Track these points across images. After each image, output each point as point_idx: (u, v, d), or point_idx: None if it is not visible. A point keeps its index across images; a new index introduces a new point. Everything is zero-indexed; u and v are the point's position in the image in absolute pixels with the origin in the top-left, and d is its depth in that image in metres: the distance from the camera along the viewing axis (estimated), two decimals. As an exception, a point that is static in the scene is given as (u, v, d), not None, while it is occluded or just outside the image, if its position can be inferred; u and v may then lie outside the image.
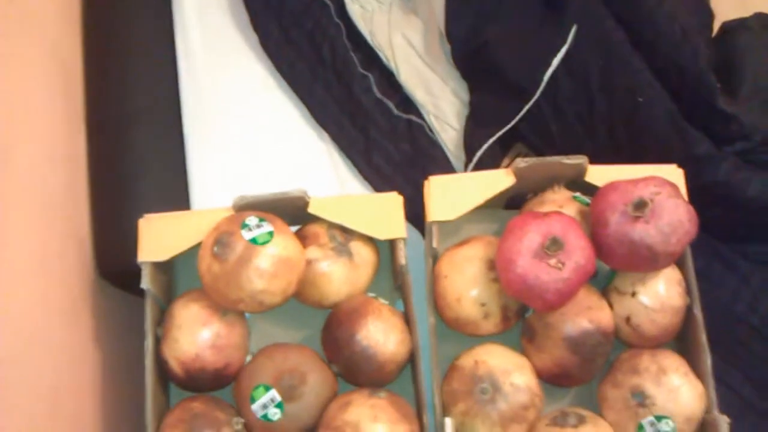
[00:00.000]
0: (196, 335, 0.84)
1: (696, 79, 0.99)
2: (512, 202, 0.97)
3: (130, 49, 1.16)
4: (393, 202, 0.91)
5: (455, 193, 0.90)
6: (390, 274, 0.96)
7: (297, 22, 1.17)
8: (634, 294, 0.87)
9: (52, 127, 1.00)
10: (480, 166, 1.04)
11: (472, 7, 1.09)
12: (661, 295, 0.87)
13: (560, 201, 0.91)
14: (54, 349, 0.90)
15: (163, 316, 0.88)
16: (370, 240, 0.92)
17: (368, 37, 1.15)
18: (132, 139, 1.10)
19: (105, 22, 1.17)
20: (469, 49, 1.09)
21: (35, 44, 0.98)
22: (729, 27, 1.10)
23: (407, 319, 0.89)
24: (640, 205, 0.82)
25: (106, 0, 1.18)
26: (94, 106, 1.12)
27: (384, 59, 1.15)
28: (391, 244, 0.92)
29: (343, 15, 1.17)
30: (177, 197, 1.07)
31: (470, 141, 1.06)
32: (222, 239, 0.83)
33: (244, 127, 1.14)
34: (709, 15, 1.11)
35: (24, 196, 0.88)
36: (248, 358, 0.88)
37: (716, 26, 1.11)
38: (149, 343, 0.85)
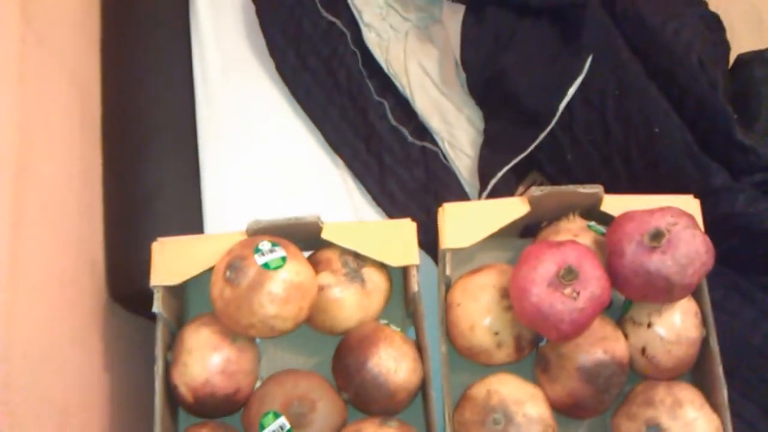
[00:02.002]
0: (206, 360, 0.84)
1: (713, 109, 0.99)
2: (527, 230, 0.96)
3: (148, 72, 1.17)
4: (406, 228, 0.91)
5: (469, 221, 0.90)
6: (402, 301, 0.95)
7: (314, 48, 1.18)
8: (649, 325, 0.86)
9: (68, 149, 1.01)
10: (494, 193, 1.04)
11: (488, 35, 1.10)
12: (677, 326, 0.85)
13: (575, 230, 0.90)
14: (63, 372, 0.89)
15: (173, 341, 0.87)
16: (382, 266, 0.92)
17: (384, 65, 1.16)
18: (147, 162, 1.10)
19: (123, 46, 1.18)
20: (485, 78, 1.09)
21: (53, 67, 0.99)
22: (745, 59, 1.10)
23: (419, 347, 0.88)
24: (657, 236, 0.81)
25: (124, 24, 1.20)
26: (111, 128, 1.13)
27: (399, 87, 1.15)
28: (404, 270, 0.92)
29: (360, 43, 1.18)
30: (191, 220, 1.07)
31: (485, 168, 1.06)
32: (234, 264, 0.83)
33: (258, 151, 1.14)
34: (725, 46, 1.11)
35: (39, 217, 0.88)
36: (258, 383, 0.87)
37: (732, 58, 1.11)
38: (159, 367, 0.85)
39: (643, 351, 0.86)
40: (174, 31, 1.21)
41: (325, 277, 0.89)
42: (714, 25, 1.11)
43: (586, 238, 0.88)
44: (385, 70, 1.16)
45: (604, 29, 1.06)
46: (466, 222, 0.90)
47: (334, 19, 1.19)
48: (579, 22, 1.05)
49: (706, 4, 1.13)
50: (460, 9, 1.13)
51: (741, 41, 1.14)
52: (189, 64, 1.19)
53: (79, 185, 1.02)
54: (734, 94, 1.04)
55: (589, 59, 1.04)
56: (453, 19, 1.13)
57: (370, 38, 1.17)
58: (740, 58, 1.11)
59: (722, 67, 1.08)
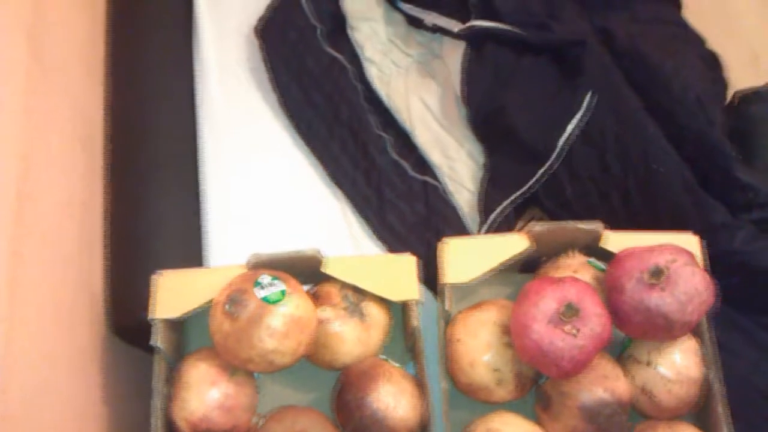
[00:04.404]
0: (204, 395, 0.83)
1: (712, 147, 0.99)
2: (526, 265, 0.96)
3: (151, 104, 1.17)
4: (407, 263, 0.91)
5: (470, 256, 0.90)
6: (402, 335, 0.95)
7: (316, 83, 1.19)
8: (650, 363, 0.85)
9: (70, 179, 1.01)
10: (494, 228, 1.04)
11: (488, 71, 1.11)
12: (678, 365, 0.85)
13: (575, 266, 0.90)
14: (61, 404, 0.89)
15: (171, 375, 0.87)
16: (383, 301, 0.92)
17: (385, 100, 1.17)
18: (149, 194, 1.10)
19: (127, 77, 1.19)
20: (486, 113, 1.10)
21: (57, 97, 1.00)
22: (742, 96, 1.11)
23: (419, 384, 0.88)
24: (657, 273, 0.81)
25: (128, 56, 1.21)
26: (113, 160, 1.13)
27: (400, 121, 1.16)
28: (404, 305, 0.91)
29: (362, 78, 1.19)
30: (192, 253, 1.07)
31: (486, 203, 1.07)
32: (234, 297, 0.82)
33: (260, 184, 1.14)
34: (724, 84, 1.12)
35: (39, 248, 0.88)
36: (255, 419, 0.87)
37: (729, 95, 1.12)
38: (156, 402, 0.84)
39: (644, 389, 0.85)
40: (178, 63, 1.22)
41: (324, 311, 0.89)
42: (712, 62, 1.12)
43: (586, 275, 0.88)
44: (387, 104, 1.17)
45: (603, 66, 1.07)
46: (466, 257, 0.90)
47: (336, 55, 1.20)
48: (578, 60, 1.06)
49: (704, 42, 1.15)
50: (461, 45, 1.14)
51: (738, 78, 1.15)
52: (192, 95, 1.20)
53: (80, 216, 1.02)
54: (732, 130, 1.05)
55: (588, 96, 1.04)
56: (454, 55, 1.15)
57: (371, 73, 1.18)
58: (738, 95, 1.12)
59: (721, 104, 1.09)
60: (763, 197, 0.98)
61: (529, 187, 1.05)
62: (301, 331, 0.84)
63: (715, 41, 1.15)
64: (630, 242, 0.87)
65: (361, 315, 0.89)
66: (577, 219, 0.90)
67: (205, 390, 0.83)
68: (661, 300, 0.81)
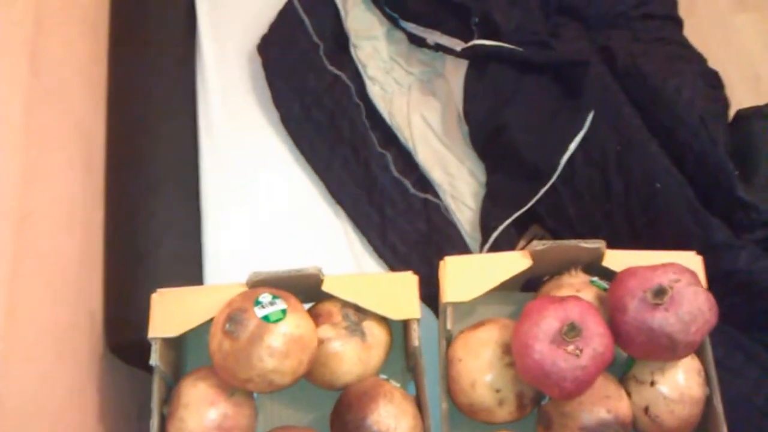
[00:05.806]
0: (202, 415, 0.82)
1: (715, 166, 0.99)
2: (528, 284, 0.96)
3: (153, 122, 1.17)
4: (407, 281, 0.90)
5: (471, 274, 0.89)
6: (402, 354, 0.94)
7: (318, 100, 1.19)
8: (652, 383, 0.85)
9: (71, 199, 1.01)
10: (496, 247, 1.03)
11: (490, 90, 1.11)
12: (680, 385, 0.84)
13: (578, 285, 0.89)
14: (57, 424, 0.88)
15: (170, 395, 0.86)
16: (383, 320, 0.91)
17: (387, 117, 1.17)
18: (149, 212, 1.10)
19: (129, 96, 1.19)
20: (487, 131, 1.10)
21: (59, 117, 1.00)
22: (744, 114, 1.11)
23: (419, 404, 0.87)
24: (660, 293, 0.80)
25: (130, 75, 1.21)
26: (114, 179, 1.13)
27: (402, 139, 1.16)
28: (405, 324, 0.91)
29: (364, 95, 1.19)
30: (191, 271, 1.07)
31: (487, 221, 1.06)
32: (234, 316, 0.82)
33: (261, 202, 1.14)
34: (725, 102, 1.12)
35: (39, 266, 0.87)
36: (255, 439, 0.86)
37: (731, 113, 1.12)
38: (154, 422, 0.83)
39: (646, 410, 0.85)
40: (180, 81, 1.22)
41: (325, 330, 0.88)
42: (713, 81, 1.13)
43: (589, 294, 0.88)
44: (388, 122, 1.17)
45: (605, 86, 1.07)
46: (467, 276, 0.89)
47: (338, 73, 1.21)
48: (581, 79, 1.06)
49: (705, 61, 1.15)
50: (463, 64, 1.15)
51: (739, 97, 1.16)
52: (194, 114, 1.20)
53: (80, 235, 1.02)
54: (733, 148, 1.05)
55: (591, 115, 1.04)
56: (456, 74, 1.15)
57: (373, 91, 1.18)
58: (739, 113, 1.12)
59: (722, 123, 1.09)
60: (765, 216, 0.98)
61: (531, 206, 1.05)
62: (301, 350, 0.83)
63: (715, 61, 1.16)
64: (632, 261, 0.87)
65: (362, 334, 0.89)
66: (580, 238, 0.90)
67: (203, 410, 0.83)
68: (664, 320, 0.80)
